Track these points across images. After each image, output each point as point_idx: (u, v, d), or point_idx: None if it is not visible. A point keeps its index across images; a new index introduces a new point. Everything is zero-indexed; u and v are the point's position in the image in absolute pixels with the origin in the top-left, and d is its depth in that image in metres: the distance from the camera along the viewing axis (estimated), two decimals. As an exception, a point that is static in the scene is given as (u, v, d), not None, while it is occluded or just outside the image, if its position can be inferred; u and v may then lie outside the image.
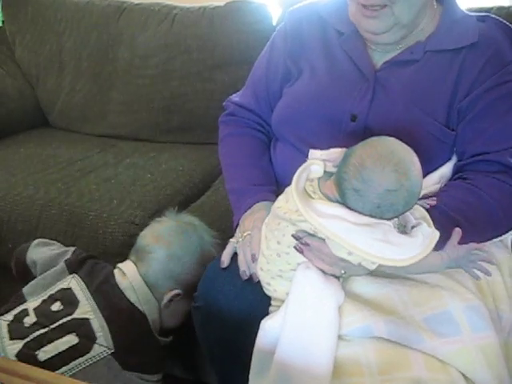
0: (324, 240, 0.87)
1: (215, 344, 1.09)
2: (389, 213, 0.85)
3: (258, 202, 1.09)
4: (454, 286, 0.92)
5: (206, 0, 1.93)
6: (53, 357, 1.00)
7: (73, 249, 1.20)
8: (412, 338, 0.88)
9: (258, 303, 1.00)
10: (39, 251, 1.21)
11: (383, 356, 0.86)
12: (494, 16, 1.08)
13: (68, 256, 1.16)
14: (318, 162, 0.93)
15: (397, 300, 0.89)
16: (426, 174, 1.02)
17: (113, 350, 1.01)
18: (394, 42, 1.06)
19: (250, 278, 1.02)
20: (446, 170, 1.05)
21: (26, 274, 1.19)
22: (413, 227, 0.87)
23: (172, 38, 1.87)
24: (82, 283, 1.08)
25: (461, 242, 0.98)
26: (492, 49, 1.02)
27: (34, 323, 1.03)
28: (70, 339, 1.01)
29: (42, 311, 1.05)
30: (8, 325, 1.04)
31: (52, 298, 1.07)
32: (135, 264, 1.14)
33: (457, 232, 0.87)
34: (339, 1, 1.12)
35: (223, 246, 1.11)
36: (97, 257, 1.22)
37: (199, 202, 1.51)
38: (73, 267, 1.12)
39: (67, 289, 1.07)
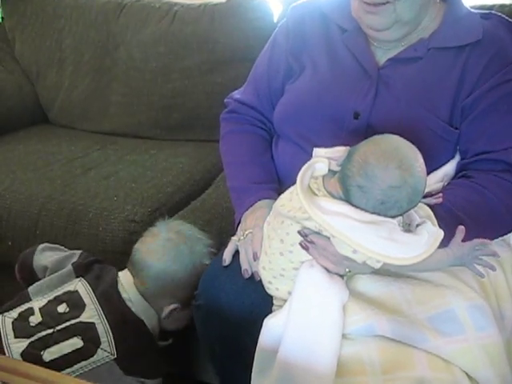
0: (329, 238, 0.87)
1: (216, 342, 1.09)
2: (393, 210, 0.84)
3: (259, 199, 1.09)
4: (457, 284, 0.91)
5: (206, -4, 1.92)
6: (57, 358, 1.00)
7: (79, 252, 1.20)
8: (415, 337, 0.87)
9: (260, 301, 0.99)
10: (47, 255, 1.21)
11: (386, 355, 0.86)
12: (497, 13, 1.08)
13: (75, 259, 1.16)
14: (323, 159, 0.92)
15: (400, 299, 0.88)
16: (429, 172, 1.01)
17: (115, 356, 1.01)
18: (396, 39, 1.06)
19: (252, 277, 1.01)
20: (450, 168, 1.04)
21: (32, 279, 1.18)
22: (417, 225, 0.87)
23: (172, 35, 1.86)
24: (89, 287, 1.08)
25: (465, 240, 0.98)
26: (496, 46, 1.01)
27: (40, 323, 1.03)
28: (75, 342, 1.01)
29: (48, 311, 1.05)
30: (12, 322, 1.04)
31: (58, 300, 1.07)
32: (133, 275, 1.13)
33: (460, 230, 0.86)
34: (342, -3, 1.11)
35: (225, 244, 1.11)
36: (103, 261, 1.22)
37: (200, 199, 1.50)
38: (80, 271, 1.12)
39: (74, 291, 1.07)
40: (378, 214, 0.84)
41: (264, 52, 1.25)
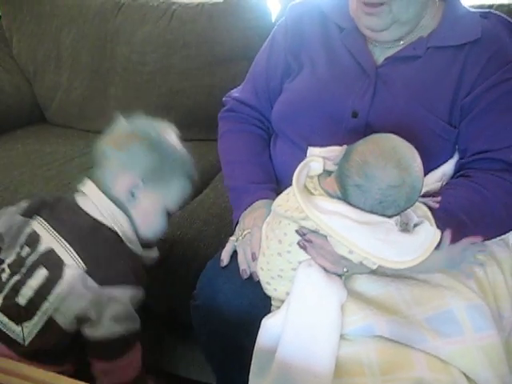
0: (326, 237, 0.86)
1: (214, 343, 1.09)
2: (390, 209, 0.84)
3: (257, 200, 1.08)
4: (456, 285, 0.91)
5: (204, -4, 1.91)
6: (32, 297, 0.97)
7: (24, 201, 1.12)
8: (414, 338, 0.87)
9: (258, 302, 0.99)
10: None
11: (385, 356, 0.86)
12: (497, 13, 1.08)
13: (21, 209, 1.10)
14: (318, 159, 0.92)
15: (399, 299, 0.88)
16: (428, 171, 1.01)
17: (85, 268, 0.97)
18: (395, 39, 1.05)
19: (250, 277, 1.01)
20: (448, 167, 1.04)
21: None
22: (415, 225, 0.86)
23: (170, 34, 1.86)
24: (43, 220, 1.04)
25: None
26: (495, 45, 1.01)
27: (9, 275, 1.01)
28: (41, 273, 0.98)
29: (15, 262, 1.02)
30: None
31: (21, 247, 1.04)
32: (94, 182, 1.07)
33: (447, 234, 0.86)
34: (340, -4, 1.11)
35: (223, 245, 1.10)
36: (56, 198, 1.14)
37: (198, 199, 1.50)
38: (31, 212, 1.07)
39: (31, 232, 1.03)
40: (376, 214, 0.84)
41: (262, 51, 1.25)
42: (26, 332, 0.96)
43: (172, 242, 1.34)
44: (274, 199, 1.00)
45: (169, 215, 1.09)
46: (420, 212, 0.90)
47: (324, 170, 0.92)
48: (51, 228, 1.02)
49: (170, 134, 1.12)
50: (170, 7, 1.91)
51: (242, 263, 1.03)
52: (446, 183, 1.02)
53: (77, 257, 0.98)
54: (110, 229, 1.02)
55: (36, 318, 0.97)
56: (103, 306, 0.97)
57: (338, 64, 1.10)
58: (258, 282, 0.99)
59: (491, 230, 0.99)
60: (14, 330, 0.97)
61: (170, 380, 1.56)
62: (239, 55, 1.77)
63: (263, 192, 1.10)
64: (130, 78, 1.93)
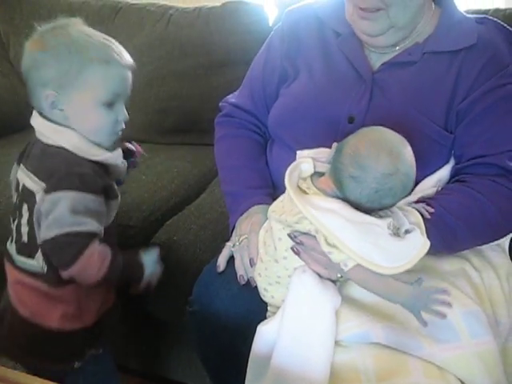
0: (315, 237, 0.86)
1: (211, 349, 1.08)
2: (387, 198, 0.84)
3: (254, 205, 1.08)
4: (452, 291, 0.90)
5: (201, 0, 1.91)
6: (28, 232, 1.02)
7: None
8: (410, 345, 0.87)
9: (255, 308, 0.99)
10: None
11: (381, 362, 0.86)
12: (492, 18, 1.08)
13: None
14: (308, 160, 0.92)
15: (394, 306, 0.87)
16: (423, 177, 1.01)
17: (44, 187, 0.98)
18: (391, 44, 1.06)
19: (247, 283, 1.01)
20: (444, 173, 1.04)
21: None
22: (406, 231, 0.86)
23: (167, 39, 1.86)
24: (22, 165, 1.06)
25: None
26: (491, 51, 1.01)
27: (13, 221, 1.08)
28: (24, 209, 1.03)
29: (14, 208, 1.08)
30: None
31: (14, 194, 1.10)
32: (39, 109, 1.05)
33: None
34: (337, 2, 1.11)
35: (219, 250, 1.10)
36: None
37: (194, 204, 1.49)
38: (18, 161, 1.09)
39: (17, 178, 1.07)
40: (372, 204, 0.84)
41: (259, 56, 1.25)
42: (39, 262, 1.02)
43: (168, 246, 1.34)
44: (270, 204, 1.00)
45: (110, 105, 1.03)
46: (413, 218, 0.90)
47: (315, 172, 0.92)
48: (23, 167, 1.06)
49: (72, 27, 1.06)
50: (167, 12, 1.91)
51: (240, 269, 1.03)
52: (442, 188, 1.02)
53: (38, 181, 1.00)
54: (57, 147, 1.01)
55: (39, 248, 1.02)
56: (47, 212, 0.97)
57: (335, 69, 1.10)
58: (255, 287, 0.99)
59: (486, 235, 0.99)
60: (32, 263, 1.03)
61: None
62: (236, 60, 1.77)
63: (260, 197, 1.10)
64: (126, 82, 1.92)
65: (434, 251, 0.95)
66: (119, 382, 1.21)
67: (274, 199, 0.99)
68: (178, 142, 1.90)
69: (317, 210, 0.84)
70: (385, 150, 0.83)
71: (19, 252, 1.06)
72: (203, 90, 1.83)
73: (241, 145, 1.21)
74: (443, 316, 0.80)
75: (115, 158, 1.07)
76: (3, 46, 2.14)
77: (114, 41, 1.06)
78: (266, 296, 0.97)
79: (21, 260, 1.05)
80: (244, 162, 1.18)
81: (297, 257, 0.91)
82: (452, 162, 1.05)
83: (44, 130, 1.03)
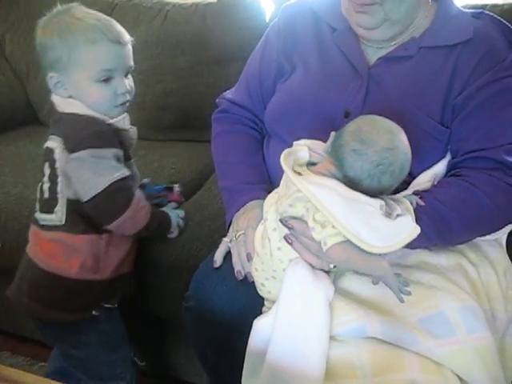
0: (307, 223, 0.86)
1: (207, 344, 1.08)
2: (386, 174, 0.84)
3: (251, 200, 1.08)
4: (448, 286, 0.91)
5: (198, -4, 1.91)
6: (49, 187, 1.13)
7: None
8: (407, 339, 0.87)
9: (251, 304, 0.99)
10: None
11: (377, 357, 0.86)
12: (488, 13, 1.08)
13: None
14: (303, 148, 0.93)
15: (391, 300, 0.87)
16: (419, 171, 1.01)
17: (64, 146, 1.10)
18: (387, 38, 1.06)
19: (245, 279, 1.01)
20: (440, 168, 1.04)
21: None
22: (398, 215, 0.86)
23: (164, 35, 1.85)
24: (50, 132, 1.15)
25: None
26: (487, 45, 1.01)
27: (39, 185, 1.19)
28: (46, 167, 1.14)
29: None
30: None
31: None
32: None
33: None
34: (333, -4, 1.11)
35: (217, 245, 1.10)
36: None
37: (191, 200, 1.49)
38: (48, 133, 1.16)
39: (46, 147, 1.15)
40: (371, 182, 0.84)
41: (256, 51, 1.25)
42: (58, 215, 1.13)
43: (165, 243, 1.33)
44: None
45: (107, 80, 1.10)
46: (404, 207, 0.90)
47: (309, 162, 0.93)
48: (49, 134, 1.15)
49: (70, 12, 1.14)
50: (164, 8, 1.90)
51: (237, 264, 1.03)
52: (438, 182, 1.02)
53: (59, 140, 1.11)
54: (71, 113, 1.12)
55: (59, 201, 1.13)
56: (79, 169, 1.08)
57: (331, 64, 1.10)
58: (251, 283, 0.99)
59: (482, 228, 0.99)
60: (52, 218, 1.13)
61: (163, 381, 1.56)
62: (233, 55, 1.77)
63: (256, 192, 1.10)
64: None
65: (430, 244, 0.95)
66: (130, 348, 1.28)
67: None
68: (174, 139, 1.90)
69: (311, 184, 0.85)
70: (384, 128, 0.86)
71: (41, 210, 1.16)
72: (200, 86, 1.83)
73: (237, 140, 1.21)
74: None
75: (122, 121, 1.14)
76: (-1, 43, 2.14)
77: (105, 18, 1.14)
78: (263, 291, 0.97)
79: (42, 217, 1.16)
80: (241, 158, 1.17)
81: (291, 248, 0.91)
82: (448, 157, 1.04)
83: (59, 102, 1.13)
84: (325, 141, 0.93)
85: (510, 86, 1.00)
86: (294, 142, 0.96)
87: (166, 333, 1.49)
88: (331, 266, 0.90)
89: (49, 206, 1.14)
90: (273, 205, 0.94)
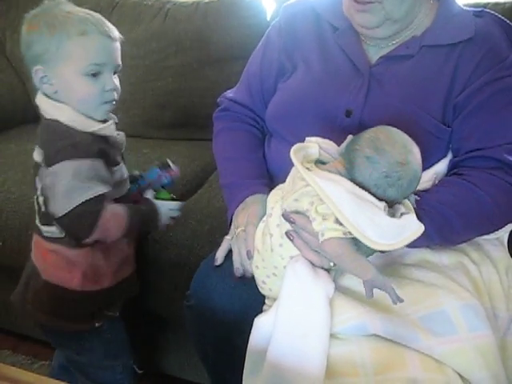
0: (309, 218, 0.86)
1: (208, 343, 1.08)
2: (393, 187, 0.85)
3: (250, 195, 1.08)
4: (450, 284, 0.91)
5: (199, -5, 1.90)
6: (44, 202, 1.08)
7: None
8: (408, 337, 0.87)
9: (252, 302, 0.99)
10: None
11: (378, 356, 0.86)
12: (490, 11, 1.07)
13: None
14: (314, 145, 0.93)
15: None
16: (421, 170, 1.01)
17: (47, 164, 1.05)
18: (388, 36, 1.06)
19: (244, 276, 1.01)
20: (441, 167, 1.04)
21: None
22: (402, 214, 0.86)
23: (165, 33, 1.85)
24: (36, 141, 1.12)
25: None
26: (488, 44, 1.01)
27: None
28: (37, 182, 1.11)
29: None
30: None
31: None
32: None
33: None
34: (334, -5, 1.11)
35: (218, 244, 1.10)
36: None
37: (193, 199, 1.49)
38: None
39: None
40: (377, 191, 0.85)
41: (257, 50, 1.25)
42: (58, 227, 1.10)
43: (166, 242, 1.34)
44: (267, 194, 1.00)
45: (95, 75, 1.07)
46: (405, 207, 0.90)
47: (318, 160, 0.93)
48: (35, 143, 1.12)
49: (57, 7, 1.10)
50: (165, 6, 1.90)
51: (236, 261, 1.03)
52: (439, 181, 1.02)
53: (41, 152, 1.07)
54: (52, 120, 1.07)
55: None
56: (51, 186, 1.04)
57: (332, 63, 1.10)
58: (252, 281, 0.99)
59: (483, 227, 0.99)
60: (53, 230, 1.11)
61: (164, 381, 1.56)
62: (234, 54, 1.76)
63: (256, 187, 1.09)
64: (124, 76, 1.90)
65: (431, 243, 0.95)
66: (131, 355, 1.28)
67: (271, 190, 1.00)
68: (175, 137, 1.89)
69: (320, 178, 0.85)
70: (400, 142, 0.87)
71: (41, 222, 1.14)
72: (201, 84, 1.82)
73: (238, 137, 1.21)
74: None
75: (108, 128, 1.12)
76: (0, 41, 2.13)
77: (96, 14, 1.11)
78: (264, 289, 0.97)
79: (44, 229, 1.13)
80: (241, 154, 1.17)
81: (292, 245, 0.91)
82: (449, 156, 1.05)
83: (44, 106, 1.09)
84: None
85: None
86: (307, 138, 0.96)
87: (166, 332, 1.49)
88: (331, 263, 0.90)
89: (46, 219, 1.11)
90: (278, 201, 0.95)
